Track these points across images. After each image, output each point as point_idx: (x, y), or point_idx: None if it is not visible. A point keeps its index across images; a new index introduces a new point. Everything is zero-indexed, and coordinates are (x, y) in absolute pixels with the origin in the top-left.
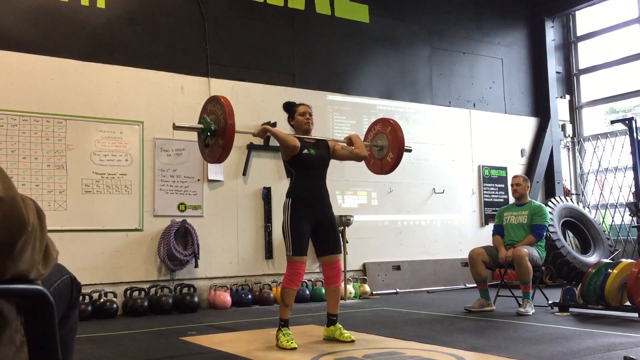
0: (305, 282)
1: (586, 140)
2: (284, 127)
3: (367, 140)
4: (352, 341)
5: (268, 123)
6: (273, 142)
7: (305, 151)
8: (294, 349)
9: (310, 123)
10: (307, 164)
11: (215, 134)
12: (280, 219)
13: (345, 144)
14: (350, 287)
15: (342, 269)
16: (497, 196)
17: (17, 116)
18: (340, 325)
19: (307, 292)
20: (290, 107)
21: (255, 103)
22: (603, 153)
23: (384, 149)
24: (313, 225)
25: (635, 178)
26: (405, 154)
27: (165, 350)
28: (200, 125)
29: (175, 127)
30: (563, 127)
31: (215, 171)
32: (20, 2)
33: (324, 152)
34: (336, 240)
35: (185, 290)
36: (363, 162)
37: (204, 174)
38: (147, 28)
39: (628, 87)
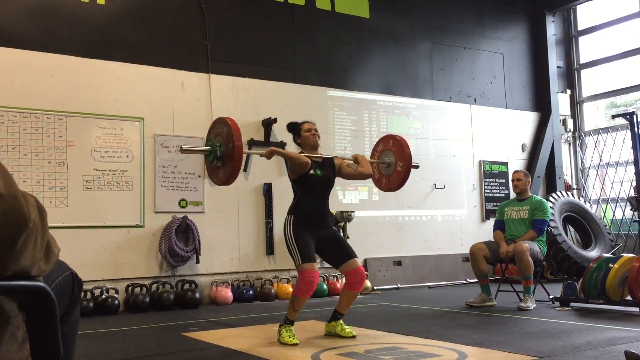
0: None
1: (587, 134)
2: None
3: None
4: (354, 337)
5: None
6: (273, 137)
7: (312, 172)
8: (295, 344)
9: (317, 137)
10: (313, 184)
11: (222, 156)
12: (281, 216)
13: (351, 162)
14: None
15: (365, 274)
16: (498, 191)
17: (18, 113)
18: (342, 321)
19: None
20: (294, 127)
21: (256, 99)
22: (604, 148)
23: (392, 165)
24: (317, 242)
25: (636, 172)
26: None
27: (167, 346)
28: (208, 148)
29: (183, 151)
30: (564, 122)
31: None
32: None
33: (329, 172)
34: (347, 247)
35: (186, 286)
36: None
37: (204, 170)
38: (147, 24)
39: (629, 82)
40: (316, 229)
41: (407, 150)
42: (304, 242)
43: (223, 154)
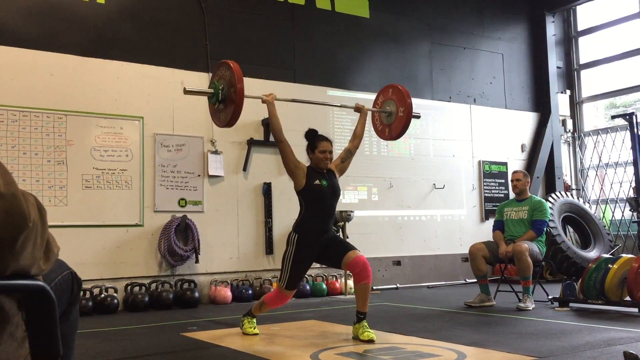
0: (305, 277)
1: (586, 135)
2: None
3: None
4: (371, 341)
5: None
6: (273, 137)
7: (317, 182)
8: (256, 334)
9: (328, 161)
10: (319, 195)
11: (225, 98)
12: (281, 215)
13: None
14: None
15: (367, 263)
16: (497, 191)
17: (17, 112)
18: (365, 323)
19: (307, 287)
20: (312, 138)
21: (256, 99)
22: (603, 148)
23: (393, 114)
24: (319, 253)
25: (636, 173)
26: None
27: (166, 345)
28: (210, 90)
29: (186, 92)
30: (563, 122)
31: (215, 167)
32: None
33: (334, 180)
34: (345, 243)
35: (185, 285)
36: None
37: (204, 170)
38: (147, 23)
39: (628, 82)
40: (319, 243)
41: (408, 99)
42: (298, 271)
43: (225, 96)
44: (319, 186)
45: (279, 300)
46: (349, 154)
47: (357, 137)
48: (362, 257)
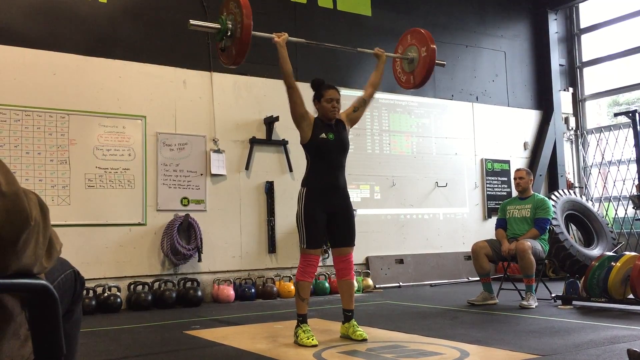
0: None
1: (589, 133)
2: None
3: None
4: (364, 340)
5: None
6: (275, 135)
7: (323, 135)
8: (314, 346)
9: (336, 111)
10: (324, 150)
11: (232, 35)
12: (283, 214)
13: (354, 106)
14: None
15: (353, 262)
16: (500, 190)
17: (20, 111)
18: (355, 322)
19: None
20: (318, 87)
21: (258, 97)
22: (606, 146)
23: (415, 61)
24: (329, 215)
25: (639, 170)
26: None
27: (169, 344)
28: (217, 26)
29: (191, 25)
30: (566, 120)
31: (217, 165)
32: None
33: (343, 134)
34: (349, 232)
35: (188, 284)
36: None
37: (206, 169)
38: (149, 22)
39: (631, 80)
40: (330, 203)
41: (432, 43)
42: (314, 225)
43: (232, 33)
44: (324, 140)
45: (306, 265)
46: (362, 102)
47: (372, 85)
48: (351, 257)
